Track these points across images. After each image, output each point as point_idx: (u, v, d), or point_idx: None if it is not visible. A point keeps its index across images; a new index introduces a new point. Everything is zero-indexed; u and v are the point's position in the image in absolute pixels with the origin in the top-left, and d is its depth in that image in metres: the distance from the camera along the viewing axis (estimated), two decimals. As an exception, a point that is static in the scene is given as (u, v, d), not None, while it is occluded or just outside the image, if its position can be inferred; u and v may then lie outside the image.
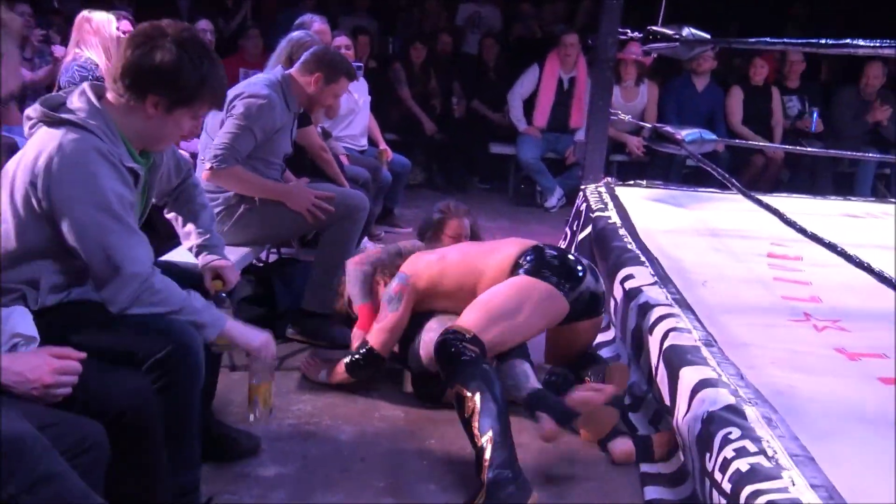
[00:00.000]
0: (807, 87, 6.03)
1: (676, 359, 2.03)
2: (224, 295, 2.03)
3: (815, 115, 5.80)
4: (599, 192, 4.01)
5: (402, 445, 2.32)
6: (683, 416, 1.87)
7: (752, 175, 5.68)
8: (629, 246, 3.05)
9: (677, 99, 5.84)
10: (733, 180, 2.95)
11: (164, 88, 1.68)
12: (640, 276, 2.70)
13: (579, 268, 2.42)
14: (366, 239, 3.91)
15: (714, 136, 3.83)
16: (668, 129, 3.70)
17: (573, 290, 2.35)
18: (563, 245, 4.26)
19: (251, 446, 2.21)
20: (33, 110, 1.68)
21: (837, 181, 6.04)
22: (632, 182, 4.33)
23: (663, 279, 2.65)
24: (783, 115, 5.93)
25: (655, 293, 2.50)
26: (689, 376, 1.92)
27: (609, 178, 4.29)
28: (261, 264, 3.32)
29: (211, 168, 2.68)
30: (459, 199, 5.94)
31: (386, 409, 2.52)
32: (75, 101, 1.69)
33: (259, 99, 2.72)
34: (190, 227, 2.08)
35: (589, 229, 3.63)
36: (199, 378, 1.73)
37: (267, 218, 2.82)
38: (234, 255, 2.71)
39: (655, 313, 2.35)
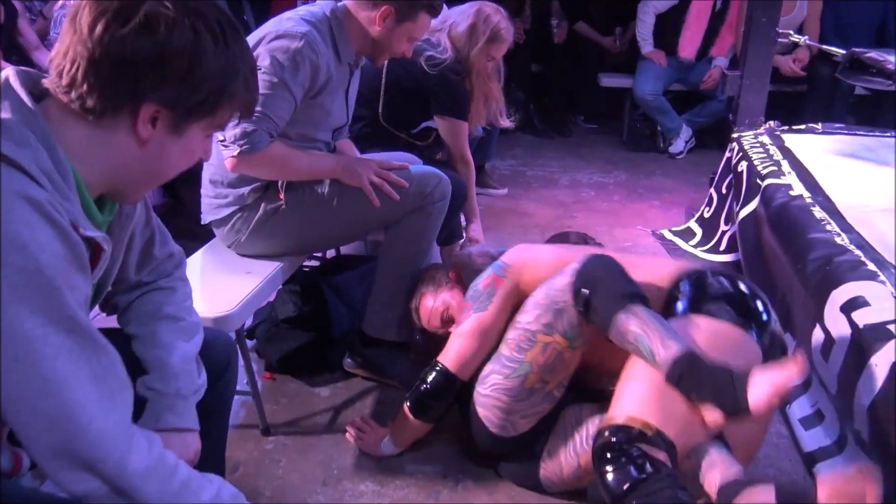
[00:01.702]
0: None
1: None
2: None
3: None
4: (763, 144, 2.96)
5: None
6: None
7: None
8: (838, 240, 2.04)
9: (835, 10, 4.59)
10: None
11: (171, 89, 0.94)
12: (878, 299, 1.72)
13: (760, 304, 1.57)
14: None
15: (936, 62, 2.69)
16: (874, 54, 2.59)
17: (762, 336, 1.52)
18: (707, 214, 3.26)
19: None
20: None
21: None
22: (803, 127, 3.23)
23: (920, 309, 1.66)
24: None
25: (920, 342, 1.53)
26: None
27: (771, 123, 3.21)
28: (310, 266, 2.49)
29: (240, 153, 1.84)
30: (562, 143, 5.05)
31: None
32: None
33: (292, 40, 1.83)
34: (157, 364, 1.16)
35: (756, 203, 2.62)
36: None
37: (300, 221, 1.97)
38: (259, 272, 1.90)
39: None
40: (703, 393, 1.34)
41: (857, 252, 1.95)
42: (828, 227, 2.13)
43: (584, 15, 5.14)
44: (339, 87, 1.99)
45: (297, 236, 2.00)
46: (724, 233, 3.05)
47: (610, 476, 1.30)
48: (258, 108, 1.82)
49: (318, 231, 2.01)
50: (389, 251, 2.11)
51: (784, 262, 2.20)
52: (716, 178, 3.29)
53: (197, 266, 1.94)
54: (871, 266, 1.86)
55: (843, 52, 3.13)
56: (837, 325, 1.77)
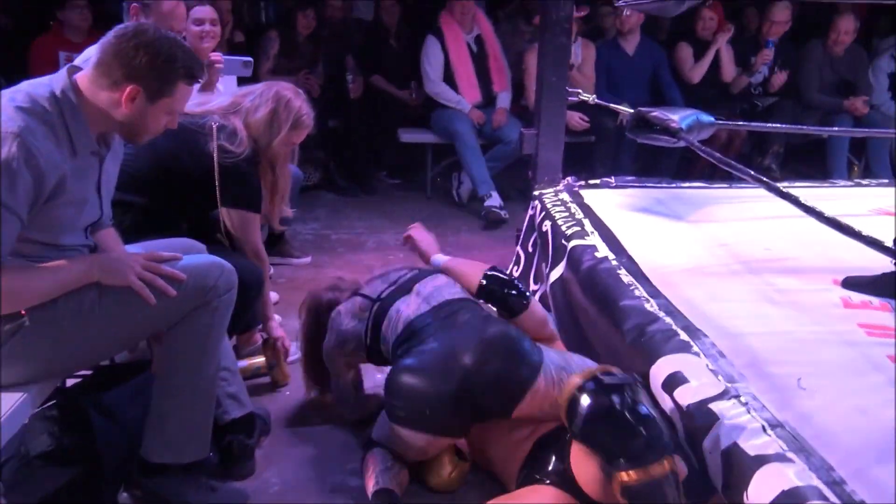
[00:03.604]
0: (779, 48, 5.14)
1: None
2: None
3: (769, 44, 5.00)
4: (564, 203, 2.97)
5: None
6: None
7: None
8: (648, 307, 2.01)
9: (607, 66, 4.89)
10: (783, 190, 2.00)
11: None
12: (694, 373, 1.67)
13: None
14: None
15: (711, 119, 2.84)
16: (658, 113, 2.67)
17: None
18: (515, 272, 3.22)
19: None
20: None
21: (802, 150, 5.32)
22: (598, 182, 3.30)
23: (733, 381, 1.63)
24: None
25: (743, 421, 1.48)
26: None
27: (569, 179, 3.25)
28: (71, 383, 2.08)
29: None
30: (366, 201, 4.86)
31: None
32: None
33: (3, 145, 1.46)
34: None
35: (562, 267, 2.58)
36: None
37: (53, 339, 1.60)
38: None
39: (770, 477, 1.33)
40: None
41: (668, 319, 1.92)
42: (636, 293, 2.10)
43: (378, 69, 5.07)
44: (85, 179, 1.66)
45: (50, 358, 1.62)
46: (534, 292, 3.00)
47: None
48: None
49: (77, 348, 1.65)
50: (169, 356, 1.79)
51: (603, 329, 2.14)
52: (521, 236, 3.26)
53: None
54: (683, 335, 1.83)
55: (625, 108, 3.25)
56: (665, 404, 1.70)
